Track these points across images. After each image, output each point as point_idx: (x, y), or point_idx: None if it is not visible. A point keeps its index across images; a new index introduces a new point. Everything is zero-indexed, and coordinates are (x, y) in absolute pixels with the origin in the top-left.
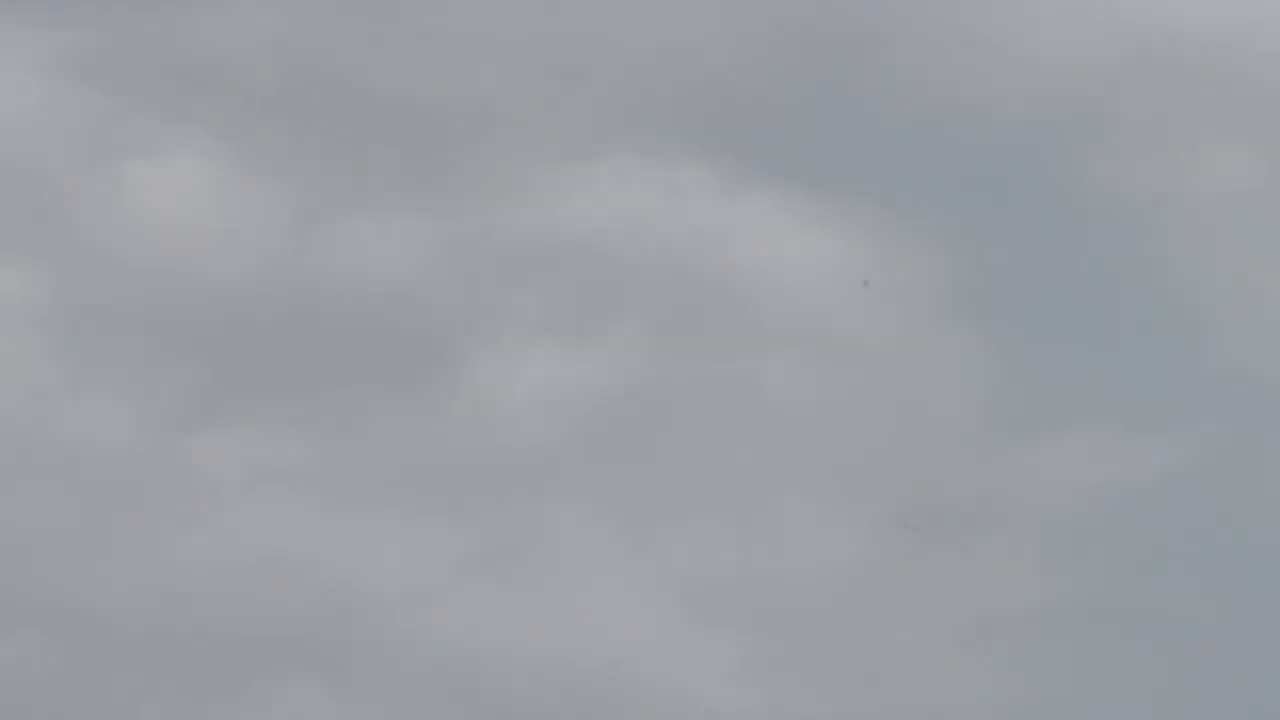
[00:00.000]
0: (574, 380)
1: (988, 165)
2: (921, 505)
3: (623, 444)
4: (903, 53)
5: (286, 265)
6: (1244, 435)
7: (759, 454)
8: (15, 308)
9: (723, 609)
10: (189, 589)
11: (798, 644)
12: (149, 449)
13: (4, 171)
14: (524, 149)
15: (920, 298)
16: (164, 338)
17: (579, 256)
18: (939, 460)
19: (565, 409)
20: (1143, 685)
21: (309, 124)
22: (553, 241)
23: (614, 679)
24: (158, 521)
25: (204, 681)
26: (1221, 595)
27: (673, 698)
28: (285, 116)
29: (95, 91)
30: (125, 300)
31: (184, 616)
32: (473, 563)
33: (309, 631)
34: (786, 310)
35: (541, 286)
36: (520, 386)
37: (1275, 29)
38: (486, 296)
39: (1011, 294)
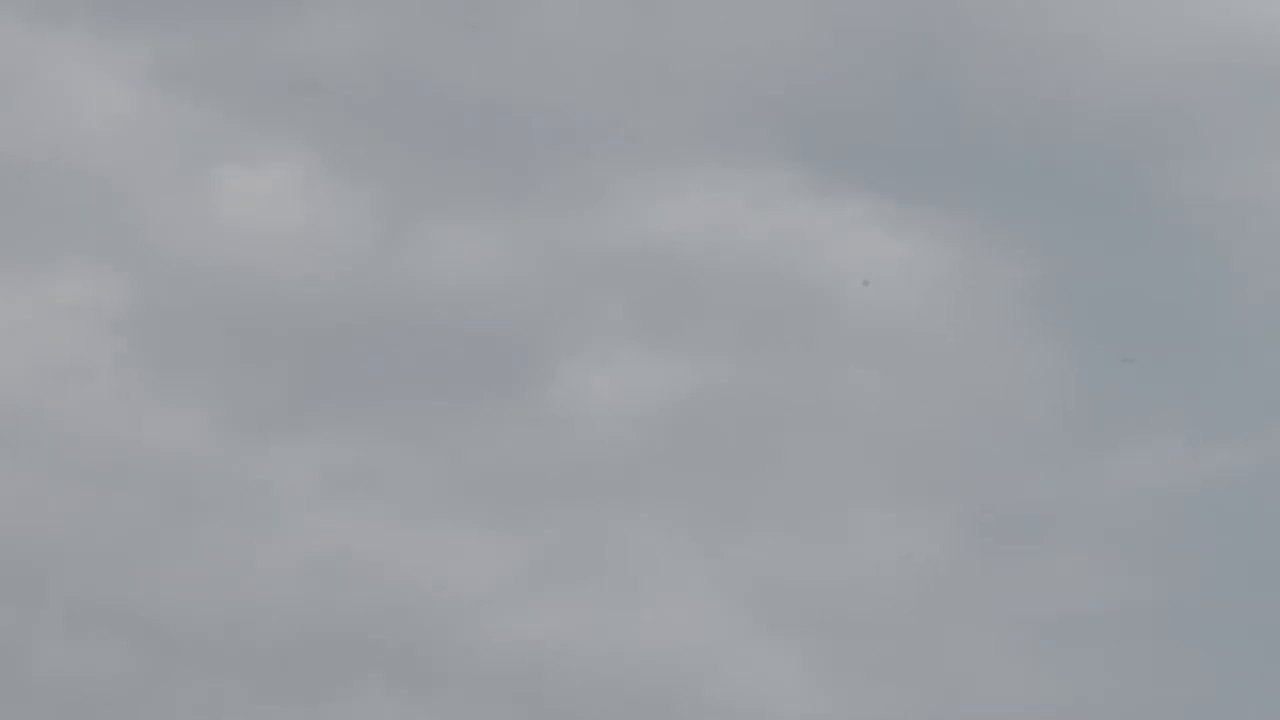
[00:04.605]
0: (657, 387)
1: (1075, 170)
2: (996, 511)
3: (703, 449)
4: (991, 58)
5: (374, 272)
6: None
7: (837, 459)
8: (101, 313)
9: (794, 615)
10: (264, 594)
11: (868, 650)
12: (228, 454)
13: (92, 178)
14: (611, 155)
15: (1003, 303)
16: (247, 344)
17: (665, 262)
18: (1015, 466)
19: (648, 415)
20: (1220, 687)
21: (397, 130)
22: (639, 247)
23: (684, 685)
24: (234, 526)
25: (275, 685)
26: None
27: (742, 704)
28: (374, 123)
29: (183, 99)
30: (209, 306)
31: (258, 621)
32: (546, 568)
33: (383, 637)
34: (869, 316)
35: (626, 292)
36: (603, 392)
37: None
38: (571, 302)
39: (1095, 300)
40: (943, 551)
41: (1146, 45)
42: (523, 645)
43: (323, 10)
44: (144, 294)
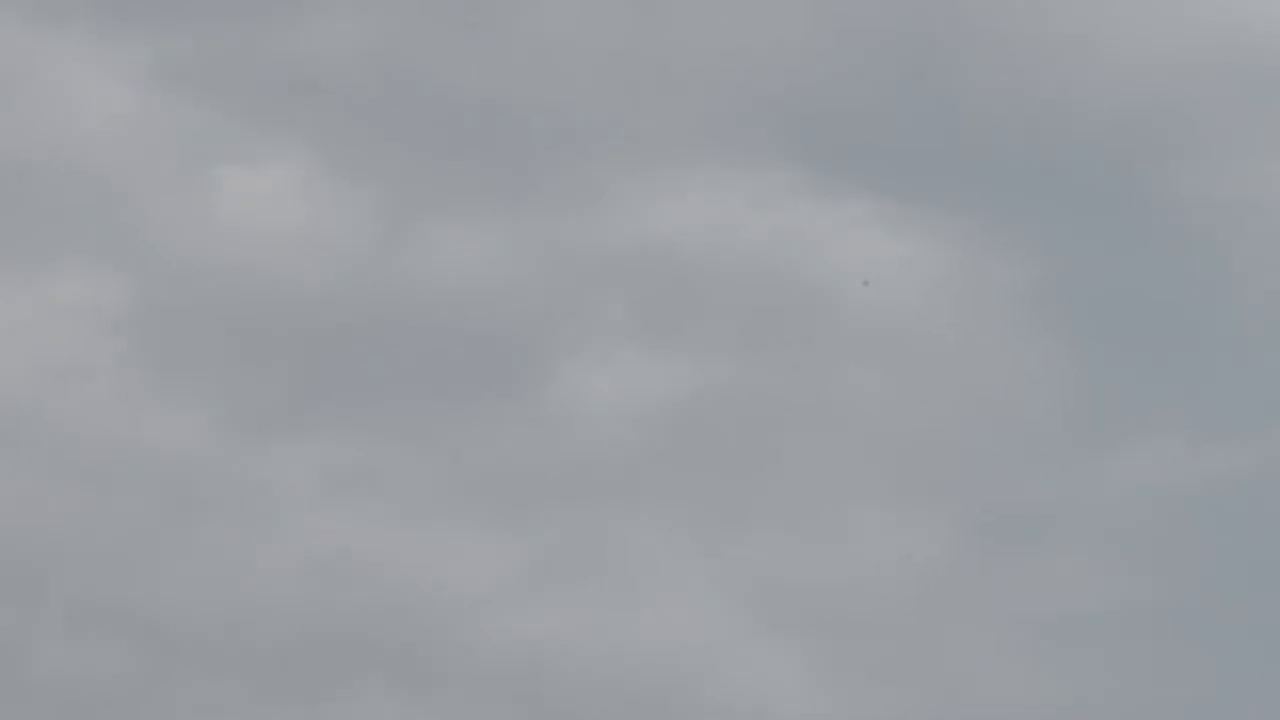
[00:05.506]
0: (657, 387)
1: (1075, 170)
2: (996, 511)
3: (703, 449)
4: (991, 58)
5: (374, 272)
6: None
7: (837, 459)
8: (101, 313)
9: (794, 615)
10: (264, 594)
11: (868, 650)
12: (228, 454)
13: (92, 178)
14: (611, 155)
15: (1003, 303)
16: (247, 344)
17: (665, 262)
18: (1015, 466)
19: (648, 415)
20: (1220, 687)
21: (397, 130)
22: (639, 247)
23: (684, 685)
24: (234, 526)
25: (275, 685)
26: None
27: (742, 704)
28: (374, 123)
29: (183, 99)
30: (209, 306)
31: (258, 621)
32: (546, 568)
33: (383, 637)
34: (869, 316)
35: (626, 292)
36: (603, 392)
37: None
38: (571, 302)
39: (1095, 300)
40: (943, 551)
41: (1146, 45)
42: (523, 645)
43: (323, 10)
44: (144, 294)
